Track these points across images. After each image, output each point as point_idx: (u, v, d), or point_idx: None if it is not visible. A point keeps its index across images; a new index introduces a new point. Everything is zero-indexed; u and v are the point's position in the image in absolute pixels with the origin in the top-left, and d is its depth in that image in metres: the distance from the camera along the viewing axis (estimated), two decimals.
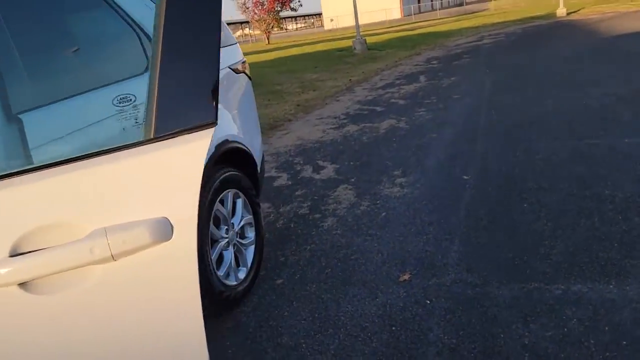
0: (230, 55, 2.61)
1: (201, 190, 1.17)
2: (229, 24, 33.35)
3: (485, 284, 2.25)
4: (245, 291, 2.40)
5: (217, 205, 2.25)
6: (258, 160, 2.68)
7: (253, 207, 2.56)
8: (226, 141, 2.29)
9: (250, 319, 2.26)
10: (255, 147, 2.68)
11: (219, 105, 1.92)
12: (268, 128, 6.08)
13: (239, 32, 52.35)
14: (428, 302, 2.19)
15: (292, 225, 3.22)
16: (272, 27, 35.48)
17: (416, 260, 2.55)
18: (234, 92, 2.60)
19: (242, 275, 2.42)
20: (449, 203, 3.22)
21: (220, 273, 2.25)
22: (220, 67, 2.34)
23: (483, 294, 2.19)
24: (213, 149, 2.16)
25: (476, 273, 2.35)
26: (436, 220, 2.99)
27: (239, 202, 2.46)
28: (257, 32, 41.69)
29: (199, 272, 1.16)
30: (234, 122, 2.48)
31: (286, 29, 49.29)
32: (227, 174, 2.29)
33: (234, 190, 2.38)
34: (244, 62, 2.81)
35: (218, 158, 2.22)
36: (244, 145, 2.46)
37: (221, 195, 2.28)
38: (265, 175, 3.84)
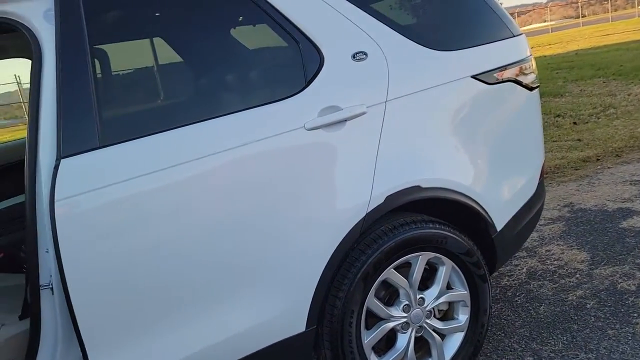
0: (480, 57, 1.81)
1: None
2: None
3: None
4: None
5: (389, 273, 1.62)
6: (500, 216, 1.80)
7: (471, 279, 1.76)
8: (417, 188, 1.59)
9: None
10: (498, 196, 1.80)
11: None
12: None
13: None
14: None
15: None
16: None
17: None
18: (469, 114, 1.79)
19: None
20: None
21: None
22: (450, 78, 1.66)
23: None
24: (382, 200, 1.54)
25: None
26: None
27: (441, 270, 1.72)
28: None
29: None
30: (452, 160, 1.72)
31: None
32: (414, 231, 1.61)
33: (430, 254, 1.67)
34: (523, 65, 1.92)
35: (400, 207, 1.58)
36: (466, 195, 1.68)
37: (401, 260, 1.63)
38: None
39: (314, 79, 1.51)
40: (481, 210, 1.71)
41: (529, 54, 1.97)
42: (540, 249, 2.82)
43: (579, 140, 4.95)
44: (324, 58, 1.53)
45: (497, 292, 2.43)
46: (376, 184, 1.53)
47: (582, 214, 3.21)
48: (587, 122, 5.68)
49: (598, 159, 4.34)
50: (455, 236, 1.69)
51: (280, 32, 1.54)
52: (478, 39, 1.81)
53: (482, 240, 1.79)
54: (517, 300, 2.32)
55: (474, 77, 1.74)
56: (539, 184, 2.01)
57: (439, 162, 1.65)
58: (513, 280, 2.52)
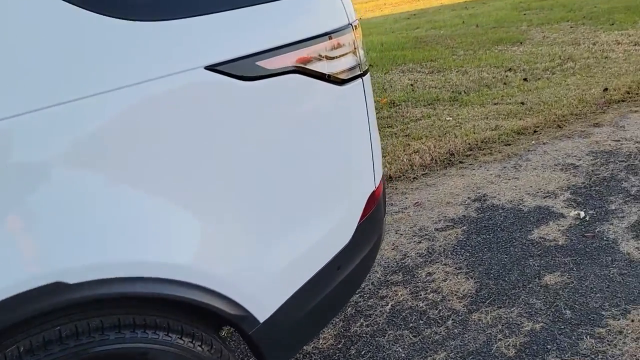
0: (226, 32, 1.04)
1: None
2: None
3: None
4: None
5: None
6: (264, 300, 1.10)
7: None
8: (57, 288, 0.87)
9: None
10: (257, 270, 1.09)
11: None
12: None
13: None
14: None
15: None
16: None
17: None
18: (200, 132, 1.02)
19: None
20: None
21: None
22: (153, 71, 0.93)
23: None
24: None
25: None
26: None
27: None
28: None
29: None
30: (153, 223, 0.98)
31: None
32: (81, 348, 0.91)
33: None
34: (325, 44, 1.15)
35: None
36: (180, 284, 0.96)
37: None
38: None
39: None
40: (216, 304, 1.01)
41: (343, 22, 1.20)
42: (422, 269, 2.18)
43: (522, 103, 4.23)
44: None
45: (339, 347, 1.80)
46: None
47: (491, 214, 2.55)
48: (539, 79, 4.93)
49: (535, 131, 3.64)
50: (166, 346, 1.00)
51: None
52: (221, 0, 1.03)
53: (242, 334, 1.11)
54: None
55: (210, 67, 0.99)
56: (362, 223, 1.32)
57: (113, 231, 0.93)
58: (367, 326, 1.88)
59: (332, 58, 1.17)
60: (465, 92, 4.77)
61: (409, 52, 6.71)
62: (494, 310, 1.86)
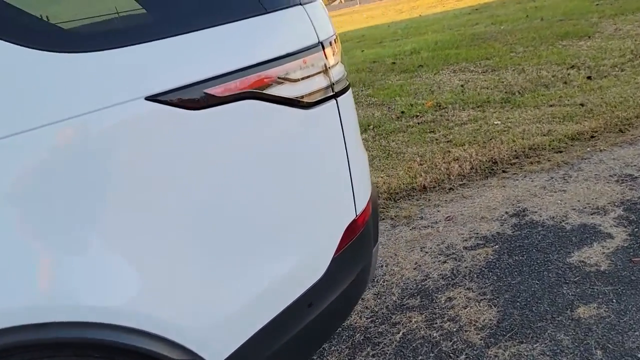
0: (168, 58, 0.98)
1: None
2: None
3: None
4: None
5: None
6: (212, 344, 1.03)
7: None
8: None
9: None
10: (204, 312, 1.02)
11: None
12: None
13: None
14: None
15: None
16: None
17: None
18: (142, 166, 0.96)
19: None
20: None
21: None
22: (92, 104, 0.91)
23: None
24: None
25: None
26: None
27: None
28: None
29: None
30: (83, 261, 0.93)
31: None
32: None
33: None
34: (288, 65, 1.07)
35: None
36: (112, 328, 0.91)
37: None
38: None
39: None
40: (160, 349, 0.95)
41: (309, 41, 1.10)
42: (442, 293, 2.02)
43: (582, 105, 3.87)
44: None
45: None
46: None
47: (528, 232, 2.33)
48: (604, 77, 4.50)
49: (593, 136, 3.31)
50: None
51: None
52: (160, 28, 0.96)
53: None
54: None
55: (151, 98, 0.93)
56: (339, 255, 1.21)
57: (40, 273, 0.89)
58: (373, 356, 1.76)
59: (296, 80, 1.07)
60: (519, 93, 4.45)
61: (464, 50, 6.40)
62: (514, 346, 1.67)
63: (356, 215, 1.24)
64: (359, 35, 10.99)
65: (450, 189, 2.96)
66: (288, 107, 1.06)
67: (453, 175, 3.08)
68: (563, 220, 2.37)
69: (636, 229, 2.18)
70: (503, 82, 4.85)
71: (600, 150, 3.08)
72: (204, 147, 0.99)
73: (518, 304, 1.87)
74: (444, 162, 3.26)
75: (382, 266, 2.30)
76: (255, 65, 1.02)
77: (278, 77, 1.05)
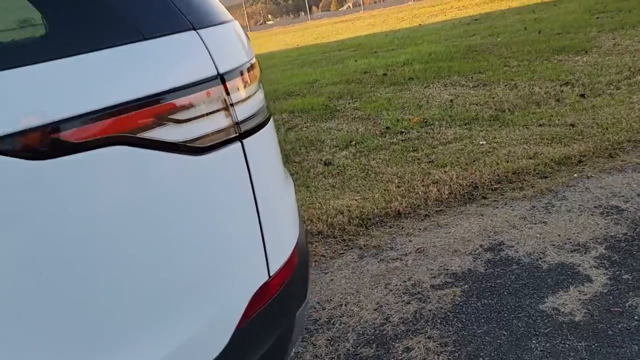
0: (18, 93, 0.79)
1: None
2: None
3: None
4: None
5: None
6: None
7: None
8: None
9: None
10: None
11: None
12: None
13: None
14: None
15: None
16: None
17: None
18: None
19: None
20: None
21: None
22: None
23: None
24: None
25: None
26: None
27: None
28: None
29: None
30: None
31: None
32: None
33: None
34: (176, 102, 0.88)
35: None
36: None
37: None
38: None
39: None
40: None
41: (206, 73, 0.92)
42: (400, 342, 1.82)
43: (572, 125, 3.67)
44: None
45: None
46: None
47: (502, 270, 2.13)
48: (599, 95, 4.31)
49: (581, 161, 3.11)
50: None
51: None
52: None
53: None
54: None
55: None
56: (248, 323, 1.02)
57: None
58: None
59: (182, 121, 0.89)
60: (509, 110, 4.26)
61: (457, 63, 6.21)
62: None
63: (269, 277, 1.05)
64: (355, 44, 10.83)
65: (426, 215, 2.76)
66: (170, 154, 0.88)
67: (430, 201, 2.89)
68: (540, 258, 2.17)
69: (618, 272, 1.98)
70: (494, 98, 4.66)
71: (588, 177, 2.88)
72: (55, 202, 0.80)
73: (483, 357, 1.68)
74: (423, 185, 3.06)
75: (341, 305, 2.10)
76: (125, 104, 0.83)
77: (158, 118, 0.86)
